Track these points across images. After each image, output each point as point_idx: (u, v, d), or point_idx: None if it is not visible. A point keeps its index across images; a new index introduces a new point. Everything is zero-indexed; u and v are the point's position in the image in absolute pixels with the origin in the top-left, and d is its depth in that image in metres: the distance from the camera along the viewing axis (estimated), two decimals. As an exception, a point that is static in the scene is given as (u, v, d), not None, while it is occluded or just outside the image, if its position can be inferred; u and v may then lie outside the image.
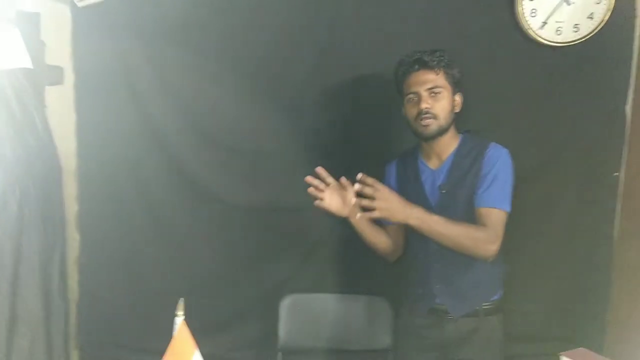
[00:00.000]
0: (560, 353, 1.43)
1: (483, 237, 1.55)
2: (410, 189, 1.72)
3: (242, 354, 2.01)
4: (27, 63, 1.60)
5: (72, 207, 1.87)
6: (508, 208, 1.59)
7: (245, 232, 1.98)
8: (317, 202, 1.64)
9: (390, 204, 1.51)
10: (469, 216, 1.60)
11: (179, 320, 1.14)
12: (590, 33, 2.03)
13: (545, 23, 2.01)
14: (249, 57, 1.91)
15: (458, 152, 1.67)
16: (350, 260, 2.04)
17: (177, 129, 1.90)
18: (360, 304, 1.94)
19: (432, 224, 1.53)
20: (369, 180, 1.50)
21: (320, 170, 1.65)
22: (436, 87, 1.59)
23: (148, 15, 1.84)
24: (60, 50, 1.82)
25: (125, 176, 1.90)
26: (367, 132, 2.01)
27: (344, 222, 1.99)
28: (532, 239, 2.01)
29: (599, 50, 2.07)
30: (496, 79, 1.97)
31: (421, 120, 1.60)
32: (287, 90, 1.95)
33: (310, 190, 1.63)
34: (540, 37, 2.02)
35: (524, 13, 1.99)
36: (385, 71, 1.93)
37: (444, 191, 1.65)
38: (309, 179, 1.63)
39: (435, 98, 1.60)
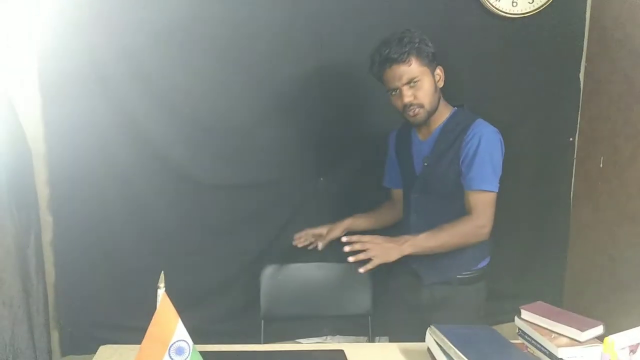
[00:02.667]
0: (520, 306, 1.53)
1: (473, 227, 1.59)
2: (401, 159, 1.80)
3: (226, 325, 2.05)
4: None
5: (43, 191, 1.86)
6: (494, 188, 1.60)
7: (221, 207, 2.01)
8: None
9: (382, 248, 1.52)
10: (449, 188, 1.64)
11: (161, 292, 1.17)
12: (545, 4, 2.11)
13: (502, -5, 2.08)
14: (220, 32, 1.90)
15: (444, 127, 1.68)
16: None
17: (147, 108, 1.90)
18: (338, 271, 2.00)
19: (424, 244, 1.57)
20: (353, 238, 1.52)
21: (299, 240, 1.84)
22: (413, 78, 1.58)
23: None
24: (22, 34, 1.78)
25: (95, 157, 1.88)
26: (341, 107, 2.06)
27: (316, 194, 2.07)
28: (497, 203, 2.10)
29: (553, 21, 2.15)
30: (455, 51, 2.02)
31: (409, 112, 1.61)
32: (260, 65, 1.95)
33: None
34: (497, 8, 2.09)
35: (481, -15, 2.06)
36: (354, 47, 1.97)
37: (426, 164, 1.69)
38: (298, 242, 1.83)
39: (416, 87, 1.59)
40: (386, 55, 1.57)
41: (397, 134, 1.85)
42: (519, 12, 2.11)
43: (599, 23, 2.16)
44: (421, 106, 1.61)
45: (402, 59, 1.56)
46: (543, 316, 1.46)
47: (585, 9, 2.20)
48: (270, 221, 2.07)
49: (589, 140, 2.23)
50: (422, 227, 1.63)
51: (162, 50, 1.88)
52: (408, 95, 1.59)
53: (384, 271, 1.92)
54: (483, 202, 1.60)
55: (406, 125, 1.79)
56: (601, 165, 2.13)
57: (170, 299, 1.16)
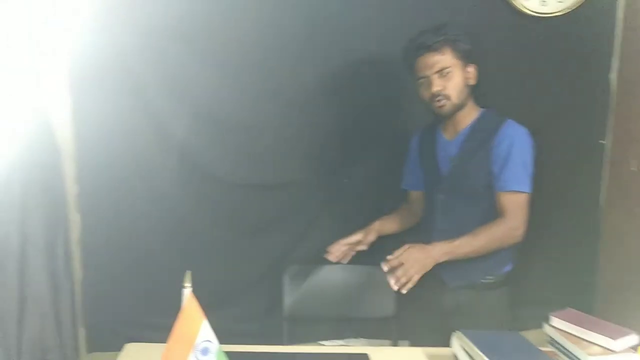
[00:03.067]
0: (551, 313, 1.50)
1: (506, 230, 1.58)
2: (425, 158, 1.78)
3: (248, 325, 2.05)
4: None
5: (71, 189, 1.89)
6: (527, 189, 1.59)
7: (245, 207, 2.02)
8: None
9: (417, 263, 1.50)
10: (476, 189, 1.62)
11: (187, 291, 1.17)
12: (575, 3, 2.06)
13: (531, -5, 2.04)
14: (245, 33, 1.91)
15: (473, 127, 1.67)
16: (350, 232, 2.08)
17: (174, 109, 1.91)
18: (362, 274, 1.98)
19: (459, 250, 1.56)
20: (390, 257, 1.53)
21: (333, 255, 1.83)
22: (444, 67, 1.59)
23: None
24: (52, 32, 1.81)
25: (123, 157, 1.90)
26: (366, 108, 2.04)
27: (342, 195, 2.07)
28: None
29: (583, 20, 2.11)
30: (483, 51, 1.98)
31: (436, 102, 1.62)
32: (285, 65, 1.95)
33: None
34: (526, 8, 2.05)
35: (510, -15, 2.02)
36: (378, 46, 1.98)
37: (453, 164, 1.67)
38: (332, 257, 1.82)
39: (446, 78, 1.59)
40: (421, 42, 1.59)
41: (420, 135, 1.84)
42: (549, 11, 2.07)
43: (632, 22, 2.11)
44: (448, 98, 1.61)
45: (435, 47, 1.58)
46: (574, 323, 1.44)
47: (616, 7, 2.15)
48: (295, 221, 2.07)
49: (621, 143, 2.17)
50: (449, 228, 1.62)
51: (189, 51, 1.89)
52: (437, 84, 1.60)
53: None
54: (516, 204, 1.59)
55: (430, 126, 1.79)
56: (635, 169, 2.08)
57: (196, 299, 1.16)
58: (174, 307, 1.15)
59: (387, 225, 1.86)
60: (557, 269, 2.26)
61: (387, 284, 1.52)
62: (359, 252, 1.89)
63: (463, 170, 1.65)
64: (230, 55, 1.92)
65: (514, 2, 2.04)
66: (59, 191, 1.73)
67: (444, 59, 1.59)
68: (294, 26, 1.94)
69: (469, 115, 1.68)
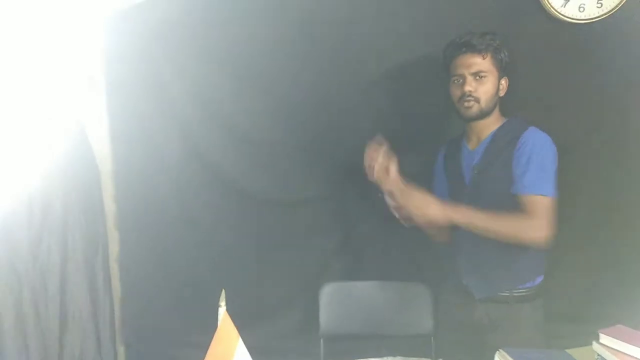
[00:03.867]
0: (599, 330, 1.44)
1: (527, 227, 1.55)
2: (450, 169, 1.79)
3: (284, 343, 2.04)
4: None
5: (110, 207, 1.93)
6: (550, 192, 1.57)
7: (277, 224, 2.02)
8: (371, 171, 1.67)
9: (419, 201, 1.55)
10: (500, 197, 1.60)
11: (222, 310, 1.17)
12: (615, 8, 1.99)
13: (567, 0, 1.99)
14: (272, 51, 1.93)
15: (496, 135, 1.68)
16: (385, 247, 2.06)
17: (207, 128, 1.94)
18: (399, 290, 1.96)
19: (475, 221, 1.56)
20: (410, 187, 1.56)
21: (379, 138, 1.68)
22: (481, 71, 1.62)
23: (169, 17, 1.87)
24: (92, 58, 1.87)
25: (159, 175, 1.94)
26: (397, 121, 2.02)
27: (375, 209, 2.03)
28: (568, 219, 1.99)
29: (624, 25, 2.03)
30: (520, 60, 1.95)
31: (464, 102, 1.64)
32: (314, 82, 1.96)
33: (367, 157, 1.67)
34: (563, 15, 1.99)
35: (545, -8, 1.98)
36: (395, 55, 1.96)
37: (476, 172, 1.67)
38: (370, 145, 1.67)
39: (480, 82, 1.63)
40: (467, 40, 1.63)
41: (448, 145, 1.85)
42: (587, 17, 2.00)
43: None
44: (477, 101, 1.63)
45: (479, 49, 1.62)
46: (625, 341, 1.37)
47: (659, 12, 2.07)
48: (329, 237, 2.05)
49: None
50: (473, 238, 1.59)
51: (222, 71, 1.92)
52: (470, 85, 1.63)
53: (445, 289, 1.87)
54: (540, 206, 1.56)
55: (456, 138, 1.80)
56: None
57: (231, 317, 1.16)
58: (212, 325, 1.15)
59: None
60: (603, 281, 2.17)
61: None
62: (393, 267, 1.86)
63: (486, 178, 1.65)
64: (262, 74, 1.94)
65: (550, 8, 1.99)
66: (98, 209, 1.77)
67: (484, 63, 1.63)
68: (325, 43, 1.95)
69: (493, 124, 1.69)
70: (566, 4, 1.99)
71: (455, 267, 1.73)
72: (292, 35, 1.93)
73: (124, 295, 1.97)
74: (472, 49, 1.62)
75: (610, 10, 2.00)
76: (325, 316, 1.92)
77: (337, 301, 1.94)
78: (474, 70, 1.62)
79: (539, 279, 1.67)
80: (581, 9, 2.00)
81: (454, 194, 1.75)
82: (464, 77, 1.64)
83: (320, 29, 1.94)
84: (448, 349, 1.81)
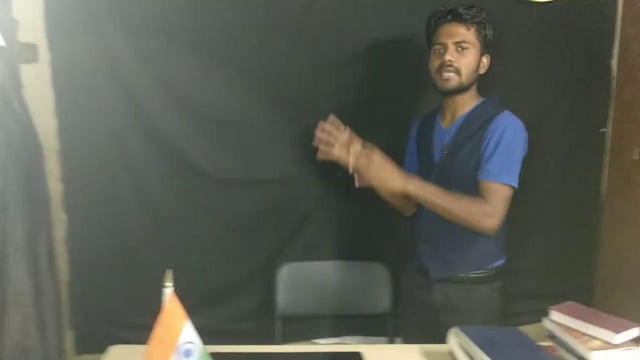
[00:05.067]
0: (551, 307, 1.46)
1: (480, 211, 1.52)
2: (421, 146, 1.75)
3: (241, 325, 2.02)
4: (0, 41, 1.56)
5: (56, 187, 1.84)
6: (512, 182, 1.54)
7: (235, 204, 1.97)
8: (325, 150, 1.62)
9: (382, 174, 1.52)
10: (467, 180, 1.57)
11: (168, 291, 1.13)
12: (575, -13, 2.01)
13: (530, -21, 1.99)
14: (231, 28, 1.87)
15: (469, 115, 1.63)
16: (344, 228, 2.05)
17: (161, 103, 1.87)
18: (357, 270, 1.95)
19: (428, 194, 1.53)
20: (371, 148, 1.52)
21: (332, 118, 1.63)
22: (464, 41, 1.57)
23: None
24: (34, 28, 1.76)
25: (110, 153, 1.86)
26: (355, 101, 1.99)
27: (335, 190, 2.02)
28: (522, 198, 2.01)
29: (584, 6, 2.06)
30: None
31: (443, 72, 1.58)
32: (275, 59, 1.91)
33: (320, 135, 1.61)
34: (525, -7, 1.99)
35: (507, -31, 1.96)
36: (367, 30, 1.94)
37: (445, 152, 1.64)
38: (323, 125, 1.62)
39: (462, 53, 1.57)
40: (453, 8, 1.58)
41: (420, 123, 1.81)
42: (548, -4, 2.01)
43: (633, 6, 2.05)
44: (458, 72, 1.58)
45: (464, 20, 1.57)
46: (574, 317, 1.39)
47: (618, -7, 2.09)
48: (287, 218, 2.02)
49: (623, 131, 2.12)
50: (433, 219, 1.58)
51: (176, 45, 1.85)
52: (451, 54, 1.57)
53: (404, 269, 1.88)
54: (497, 194, 1.54)
55: (430, 114, 1.75)
56: (637, 157, 2.02)
57: (181, 298, 1.12)
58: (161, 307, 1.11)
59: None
60: (556, 260, 2.22)
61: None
62: (352, 247, 1.84)
63: (454, 159, 1.61)
64: (219, 50, 1.88)
65: (512, -13, 1.98)
66: (41, 189, 1.68)
67: (468, 34, 1.57)
68: (283, 19, 1.90)
69: (468, 103, 1.64)
70: (528, -18, 1.99)
71: (415, 247, 1.72)
72: (253, 11, 1.87)
73: (72, 277, 1.90)
74: (457, 17, 1.57)
75: (570, -11, 2.01)
76: (283, 297, 1.91)
77: (294, 282, 1.92)
78: (457, 39, 1.57)
79: (498, 262, 1.66)
80: (542, -12, 2.00)
81: (422, 171, 1.71)
82: (445, 47, 1.58)
83: (282, 3, 1.88)
84: (406, 329, 1.82)
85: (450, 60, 1.56)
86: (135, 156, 1.89)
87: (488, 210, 1.53)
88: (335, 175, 2.01)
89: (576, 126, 2.15)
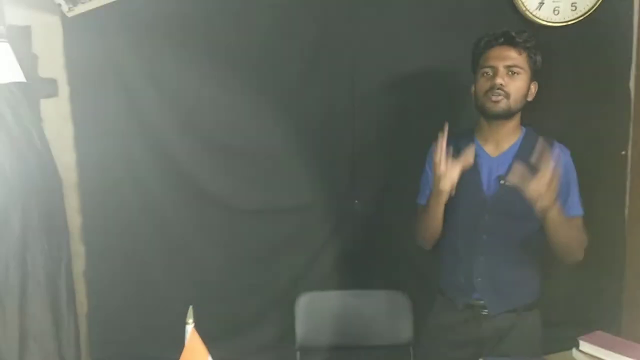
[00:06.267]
0: (579, 337, 1.42)
1: (583, 243, 1.59)
2: (463, 173, 1.61)
3: (260, 357, 1.99)
4: (20, 77, 1.58)
5: (75, 220, 1.85)
6: (582, 212, 1.60)
7: (251, 234, 1.96)
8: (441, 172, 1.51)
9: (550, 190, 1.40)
10: (524, 212, 1.50)
11: (189, 328, 1.12)
12: (589, 11, 2.00)
13: (542, 3, 1.99)
14: (245, 56, 1.88)
15: (523, 144, 1.58)
16: (362, 256, 2.02)
17: (177, 134, 1.87)
18: (377, 299, 1.92)
19: (562, 220, 1.49)
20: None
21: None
22: (516, 66, 1.52)
23: (140, 18, 1.80)
24: (53, 62, 1.79)
25: (127, 185, 1.87)
26: (370, 126, 1.99)
27: (352, 218, 2.00)
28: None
29: (598, 28, 2.04)
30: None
31: (492, 95, 1.52)
32: (290, 88, 1.92)
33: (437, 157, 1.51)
34: (538, 17, 1.99)
35: (520, -6, 1.96)
36: (383, 60, 1.93)
37: (503, 182, 1.55)
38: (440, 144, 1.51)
39: (512, 77, 1.53)
40: (506, 32, 1.54)
41: (453, 144, 1.59)
42: (561, 20, 2.01)
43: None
44: (507, 96, 1.52)
45: (517, 43, 1.53)
46: (604, 347, 1.39)
47: (633, 13, 2.08)
48: (305, 247, 2.00)
49: (643, 153, 2.08)
50: (497, 248, 1.57)
51: (195, 77, 1.86)
52: (502, 77, 1.52)
53: (426, 299, 1.84)
54: (581, 227, 1.60)
55: (459, 136, 1.62)
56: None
57: (201, 331, 1.11)
58: (181, 341, 1.11)
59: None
60: (582, 287, 2.16)
61: None
62: (370, 276, 1.80)
63: (513, 190, 1.48)
64: (236, 80, 1.88)
65: (525, 12, 1.98)
66: (61, 222, 1.68)
67: (519, 58, 1.53)
68: (300, 50, 1.91)
69: (515, 131, 1.60)
70: (541, 6, 1.99)
71: (459, 283, 1.64)
72: (270, 40, 1.88)
73: (90, 311, 1.89)
74: (510, 41, 1.53)
75: (585, 13, 2.00)
76: (302, 328, 1.87)
77: (313, 312, 1.89)
78: (508, 63, 1.52)
79: (540, 291, 1.67)
80: (556, 12, 2.00)
81: (467, 201, 1.60)
82: (496, 70, 1.52)
83: (299, 28, 1.89)
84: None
85: (501, 84, 1.51)
86: (152, 188, 1.89)
87: (584, 242, 1.60)
88: (352, 203, 2.01)
89: (597, 149, 2.12)
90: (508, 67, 1.52)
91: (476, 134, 1.63)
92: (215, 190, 1.92)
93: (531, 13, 1.98)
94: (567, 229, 1.51)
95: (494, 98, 1.52)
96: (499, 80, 1.51)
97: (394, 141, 2.00)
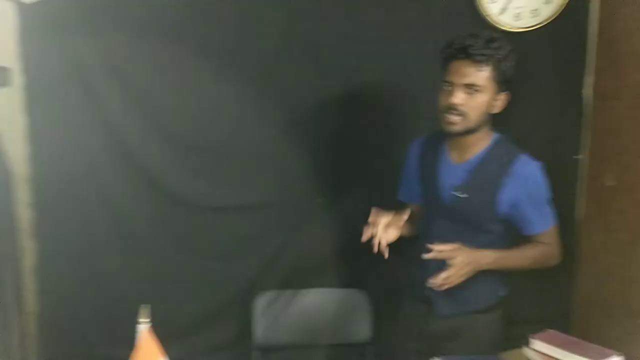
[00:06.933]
0: (531, 335, 1.46)
1: (548, 258, 1.59)
2: (426, 176, 1.63)
3: (217, 356, 1.97)
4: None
5: (25, 215, 1.78)
6: (555, 220, 1.59)
7: (211, 231, 1.94)
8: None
9: (466, 266, 1.45)
10: (480, 220, 1.53)
11: (143, 327, 1.10)
12: (549, 18, 2.05)
13: (504, 9, 2.02)
14: (208, 52, 1.85)
15: (486, 156, 1.53)
16: (323, 255, 2.02)
17: (137, 129, 1.84)
18: (336, 298, 1.92)
19: (504, 262, 1.54)
20: (439, 248, 1.44)
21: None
22: (474, 84, 1.43)
23: (102, 9, 1.76)
24: (6, 50, 1.73)
25: (83, 180, 1.82)
26: (333, 124, 1.99)
27: (314, 217, 2.00)
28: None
29: (557, 35, 2.09)
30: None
31: (448, 115, 1.45)
32: (252, 86, 1.90)
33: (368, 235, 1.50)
34: (499, 23, 2.03)
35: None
36: (348, 60, 1.94)
37: (458, 193, 1.53)
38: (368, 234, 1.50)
39: (472, 96, 1.44)
40: (465, 46, 1.42)
41: (423, 145, 1.66)
42: (522, 26, 2.05)
43: (606, 36, 2.10)
44: (464, 116, 1.44)
45: (477, 60, 1.41)
46: (555, 345, 1.42)
47: (588, 23, 2.15)
48: (265, 245, 1.99)
49: (598, 158, 2.15)
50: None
51: (155, 71, 1.83)
52: (459, 97, 1.43)
53: (386, 297, 1.85)
54: (553, 236, 1.59)
55: (434, 138, 1.62)
56: (610, 184, 2.05)
57: (157, 330, 1.10)
58: (135, 339, 1.11)
59: (410, 228, 1.66)
60: (534, 286, 2.22)
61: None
62: (331, 274, 1.81)
63: (468, 203, 1.51)
64: (199, 75, 1.86)
65: (487, 17, 2.01)
66: (8, 217, 1.61)
67: (479, 75, 1.42)
68: (264, 49, 1.89)
69: (481, 141, 1.53)
70: (503, 12, 2.03)
71: (416, 276, 1.63)
72: (234, 36, 1.86)
73: (41, 309, 1.83)
74: (470, 57, 1.41)
75: (544, 20, 2.05)
76: (260, 326, 1.86)
77: (272, 311, 1.88)
78: (466, 81, 1.42)
79: (502, 293, 1.65)
80: (517, 18, 2.04)
81: (427, 207, 1.64)
82: (453, 86, 1.44)
83: (265, 26, 1.88)
84: (395, 357, 1.77)
85: (456, 104, 1.43)
86: (109, 183, 1.85)
87: (555, 253, 1.60)
88: (314, 201, 2.01)
89: (551, 153, 2.17)
90: (467, 85, 1.43)
91: (447, 138, 1.59)
92: (174, 186, 1.89)
93: (492, 19, 2.02)
94: (520, 260, 1.57)
95: (448, 118, 1.45)
96: (455, 100, 1.43)
97: (357, 139, 2.01)
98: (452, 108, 1.44)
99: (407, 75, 1.96)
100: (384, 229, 1.47)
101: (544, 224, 1.57)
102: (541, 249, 1.58)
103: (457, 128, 1.46)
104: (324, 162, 2.00)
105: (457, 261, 1.43)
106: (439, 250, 1.44)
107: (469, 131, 1.48)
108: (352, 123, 2.00)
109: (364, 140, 2.01)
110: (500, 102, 1.50)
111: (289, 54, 1.91)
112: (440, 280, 1.44)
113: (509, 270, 1.57)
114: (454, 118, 1.45)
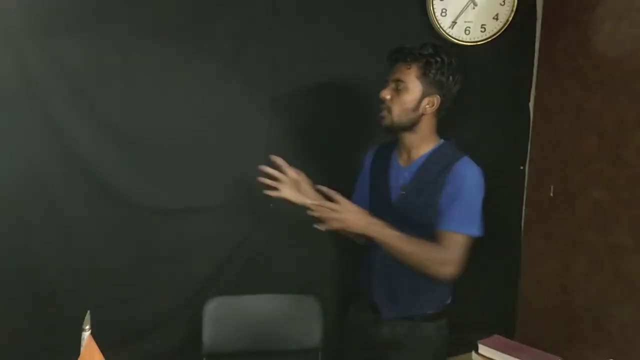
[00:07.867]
0: (478, 341, 1.50)
1: (438, 259, 1.50)
2: (375, 181, 1.70)
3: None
4: None
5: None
6: (472, 231, 1.53)
7: (159, 234, 1.89)
8: (272, 192, 1.59)
9: (348, 215, 1.47)
10: (425, 224, 1.54)
11: (86, 335, 1.05)
12: (496, 33, 2.14)
13: (454, 23, 2.10)
14: (160, 49, 1.81)
15: (430, 157, 1.59)
16: (274, 260, 2.01)
17: (83, 127, 1.77)
18: (287, 304, 1.90)
19: (389, 239, 1.49)
20: (332, 192, 1.48)
21: (277, 159, 1.59)
22: (400, 80, 1.54)
23: (46, 7, 1.68)
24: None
25: (23, 179, 1.72)
26: (287, 127, 1.99)
27: (266, 221, 1.98)
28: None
29: (504, 50, 2.19)
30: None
31: (380, 108, 1.58)
32: (204, 83, 1.87)
33: (265, 180, 1.56)
34: (450, 36, 2.10)
35: (434, 13, 2.06)
36: (302, 64, 1.96)
37: (404, 192, 1.59)
38: (265, 168, 1.57)
39: (398, 92, 1.54)
40: (399, 47, 1.57)
41: (376, 152, 1.75)
42: (471, 40, 2.13)
43: (549, 53, 2.20)
44: (389, 111, 1.56)
45: (404, 58, 1.54)
46: (501, 351, 1.46)
47: (535, 38, 2.25)
48: (215, 250, 1.95)
49: (539, 169, 2.25)
50: (386, 260, 1.55)
51: (103, 68, 1.76)
52: (386, 92, 1.56)
53: (338, 303, 1.86)
54: (456, 243, 1.51)
55: (386, 146, 1.71)
56: (551, 194, 2.15)
57: (100, 337, 1.06)
58: (78, 348, 1.06)
59: None
60: (481, 292, 2.28)
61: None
62: (283, 280, 1.78)
63: (412, 202, 1.57)
64: (149, 73, 1.82)
65: (439, 29, 2.07)
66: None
67: (406, 73, 1.54)
68: (220, 46, 1.88)
69: (427, 144, 1.60)
70: (454, 25, 2.10)
71: (363, 283, 1.68)
72: (187, 37, 1.83)
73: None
74: (400, 55, 1.55)
75: (492, 35, 2.13)
76: (209, 333, 1.81)
77: (222, 317, 1.83)
78: (394, 77, 1.55)
79: (447, 302, 1.67)
80: (467, 32, 2.11)
81: (377, 208, 1.64)
82: (387, 83, 1.57)
83: (220, 25, 1.86)
84: None
85: (383, 98, 1.56)
86: (51, 182, 1.76)
87: (447, 258, 1.50)
88: (267, 205, 1.99)
89: (498, 162, 2.25)
90: (395, 81, 1.56)
91: (397, 142, 1.66)
92: (120, 187, 1.83)
93: (444, 31, 2.08)
94: (403, 243, 1.49)
95: (380, 112, 1.58)
96: (381, 94, 1.56)
97: (311, 143, 2.01)
98: (381, 102, 1.56)
99: (360, 82, 1.99)
100: (290, 183, 1.59)
101: (447, 223, 1.51)
102: (430, 247, 1.50)
103: (385, 122, 1.58)
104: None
105: (342, 201, 1.47)
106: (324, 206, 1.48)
107: (403, 129, 1.57)
108: (307, 127, 2.01)
109: (319, 145, 2.02)
110: (430, 105, 1.56)
111: (241, 55, 1.90)
112: (319, 207, 1.48)
113: (398, 254, 1.50)
114: (383, 112, 1.57)
